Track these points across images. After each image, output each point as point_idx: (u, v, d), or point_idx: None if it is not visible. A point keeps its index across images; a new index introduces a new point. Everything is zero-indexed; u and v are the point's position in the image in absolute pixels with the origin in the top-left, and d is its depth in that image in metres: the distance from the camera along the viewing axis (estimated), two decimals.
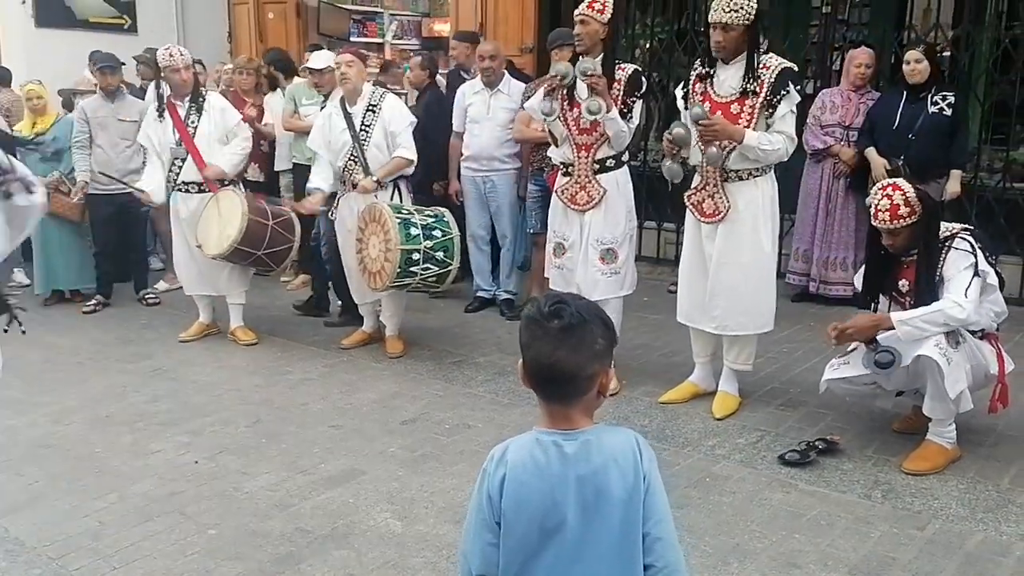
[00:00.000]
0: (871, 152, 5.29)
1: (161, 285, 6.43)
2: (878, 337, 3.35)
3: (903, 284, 3.45)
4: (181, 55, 4.94)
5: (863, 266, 3.69)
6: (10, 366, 4.88)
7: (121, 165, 5.74)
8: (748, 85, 3.66)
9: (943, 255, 3.30)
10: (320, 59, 5.51)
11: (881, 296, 3.55)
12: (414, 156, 4.77)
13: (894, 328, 3.27)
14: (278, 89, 6.51)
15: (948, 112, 5.08)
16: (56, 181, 5.86)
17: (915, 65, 5.06)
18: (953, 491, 3.21)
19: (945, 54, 6.10)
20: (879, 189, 3.34)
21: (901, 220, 3.25)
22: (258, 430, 3.85)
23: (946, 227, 3.40)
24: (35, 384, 4.51)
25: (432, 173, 5.78)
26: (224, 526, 3.02)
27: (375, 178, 4.67)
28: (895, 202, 3.24)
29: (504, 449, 1.53)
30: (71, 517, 3.09)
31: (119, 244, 6.05)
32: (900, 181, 3.34)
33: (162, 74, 4.98)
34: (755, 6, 3.60)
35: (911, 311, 3.28)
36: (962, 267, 3.24)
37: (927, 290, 3.28)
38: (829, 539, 2.89)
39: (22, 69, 7.85)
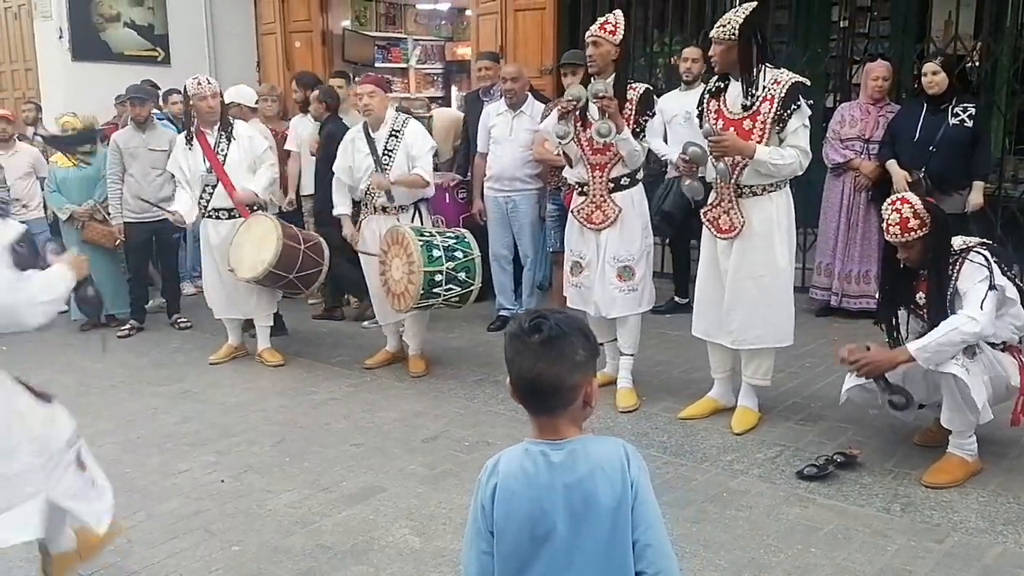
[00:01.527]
0: (892, 165, 5.28)
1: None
2: (888, 376, 3.35)
3: (920, 297, 3.45)
4: (208, 83, 5.09)
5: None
6: (47, 390, 5.05)
7: (152, 193, 5.90)
8: (744, 100, 3.70)
9: (957, 268, 3.29)
10: (244, 95, 5.97)
11: (900, 309, 3.55)
12: (431, 178, 4.87)
13: (912, 361, 3.26)
14: (308, 114, 6.63)
15: (969, 123, 5.05)
16: (91, 209, 6.06)
17: (932, 77, 5.05)
18: (973, 504, 3.19)
19: (970, 64, 6.08)
20: (888, 204, 3.36)
21: (912, 233, 3.26)
22: (282, 449, 3.93)
23: (962, 241, 3.40)
24: (70, 407, 4.59)
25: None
26: (248, 543, 3.10)
27: (391, 179, 4.74)
28: (904, 215, 3.26)
29: (497, 460, 1.59)
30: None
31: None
32: (908, 195, 3.36)
33: (191, 102, 5.14)
34: (740, 22, 3.64)
35: (925, 338, 3.26)
36: (976, 280, 3.23)
37: (939, 302, 3.28)
38: (845, 553, 2.88)
39: (59, 102, 8.13)
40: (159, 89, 7.53)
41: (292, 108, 6.87)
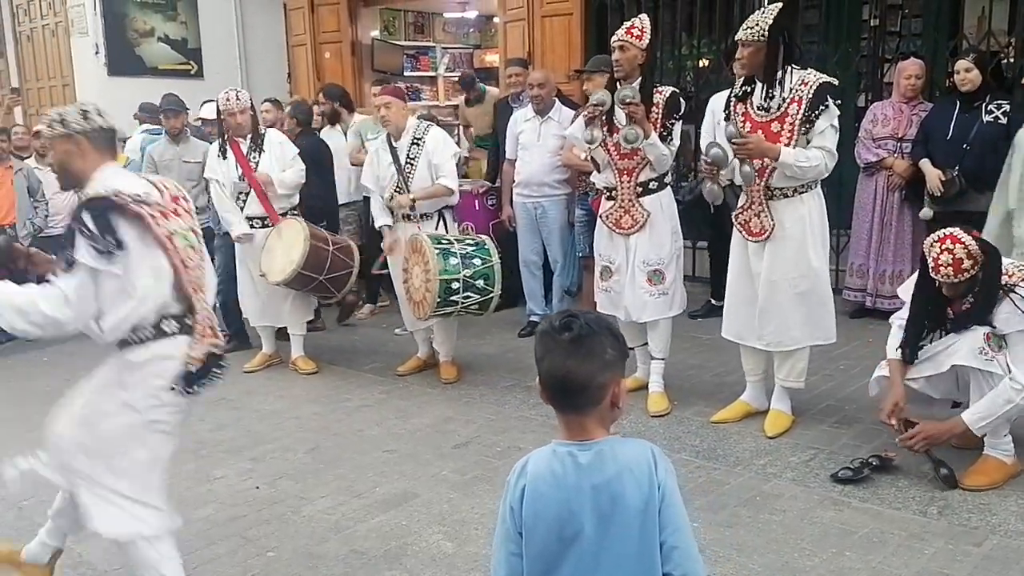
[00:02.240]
0: (925, 163, 5.21)
1: None
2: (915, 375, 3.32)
3: (949, 312, 3.40)
4: (238, 99, 5.16)
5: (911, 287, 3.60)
6: None
7: None
8: (765, 103, 3.68)
9: (999, 301, 3.22)
10: (207, 111, 5.99)
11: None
12: (455, 186, 4.90)
13: (967, 430, 3.25)
14: (337, 124, 6.71)
15: (1004, 120, 4.97)
16: None
17: (965, 74, 4.98)
18: (1012, 506, 3.14)
19: (1004, 61, 5.98)
20: (936, 242, 3.22)
21: (965, 273, 3.17)
22: (316, 456, 3.97)
23: (1006, 267, 3.29)
24: None
25: (316, 219, 5.48)
26: (283, 549, 3.14)
27: (412, 196, 4.77)
28: (957, 256, 3.15)
29: (525, 461, 1.60)
30: None
31: None
32: (956, 232, 3.21)
33: (221, 117, 5.22)
34: (769, 23, 3.62)
35: (980, 410, 3.21)
36: (1018, 326, 3.17)
37: (971, 323, 3.25)
38: (881, 556, 2.85)
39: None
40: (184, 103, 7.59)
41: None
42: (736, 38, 3.75)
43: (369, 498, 3.52)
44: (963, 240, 3.17)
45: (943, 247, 3.18)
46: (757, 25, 3.64)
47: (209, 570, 3.01)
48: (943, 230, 3.29)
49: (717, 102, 3.99)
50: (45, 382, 5.49)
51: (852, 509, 3.19)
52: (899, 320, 3.58)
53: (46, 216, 6.53)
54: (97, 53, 8.94)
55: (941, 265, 3.17)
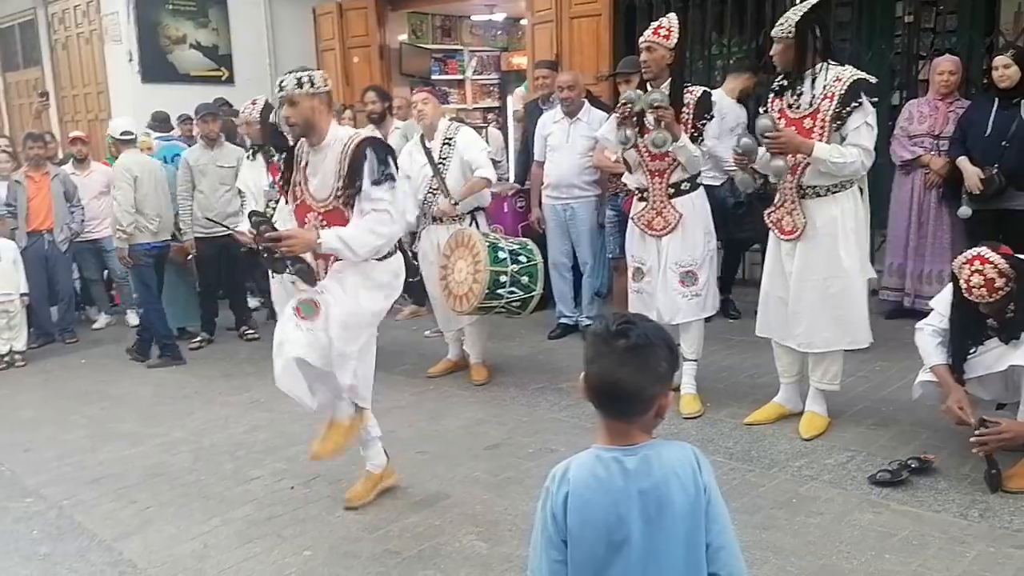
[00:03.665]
0: (963, 161, 5.13)
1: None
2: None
3: (991, 322, 3.35)
4: (252, 111, 5.23)
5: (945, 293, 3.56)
6: (124, 401, 5.26)
7: (220, 208, 6.06)
8: (792, 100, 3.65)
9: None
10: (120, 126, 6.01)
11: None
12: (493, 176, 4.90)
13: None
14: (372, 127, 6.71)
15: None
16: None
17: (1003, 71, 4.90)
18: None
19: None
20: (965, 263, 3.21)
21: (999, 292, 3.15)
22: (349, 457, 3.96)
23: None
24: (146, 417, 4.80)
25: None
26: (318, 548, 3.15)
27: (454, 200, 4.79)
28: (988, 276, 3.13)
29: (565, 467, 1.58)
30: (179, 540, 3.28)
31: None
32: (984, 252, 3.19)
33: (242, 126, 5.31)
34: (797, 18, 3.60)
35: None
36: None
37: (1018, 330, 3.21)
38: (921, 559, 2.81)
39: (130, 122, 8.40)
40: (232, 106, 7.69)
41: (361, 121, 6.97)
42: (771, 35, 3.73)
43: (402, 498, 3.53)
44: (991, 260, 3.15)
45: (973, 269, 3.17)
46: (787, 21, 3.64)
47: (246, 568, 3.04)
48: (970, 251, 3.28)
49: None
50: (81, 383, 5.59)
51: (891, 511, 3.15)
52: (929, 327, 3.54)
53: (82, 220, 6.64)
54: (130, 60, 9.06)
55: (974, 287, 3.17)
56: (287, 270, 3.22)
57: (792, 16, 3.63)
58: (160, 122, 7.86)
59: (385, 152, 3.16)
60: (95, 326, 7.09)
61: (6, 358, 6.06)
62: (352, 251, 3.12)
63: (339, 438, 3.39)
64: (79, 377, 5.75)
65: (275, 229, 3.17)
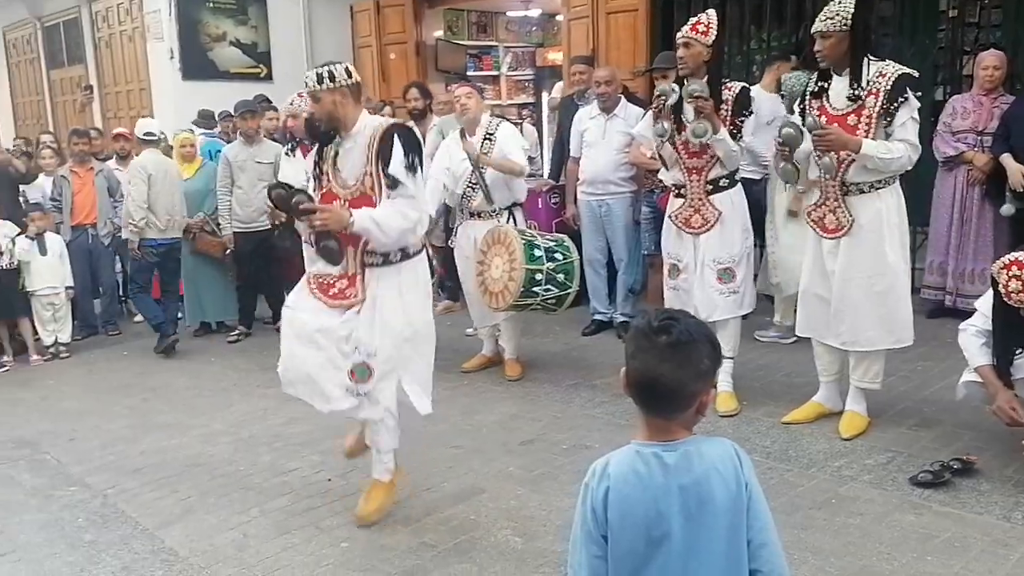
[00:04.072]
0: (1007, 158, 5.04)
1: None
2: None
3: None
4: (301, 106, 5.26)
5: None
6: (164, 392, 5.35)
7: (259, 204, 6.14)
8: (853, 92, 3.59)
9: None
10: (143, 126, 6.28)
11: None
12: (524, 164, 4.89)
13: None
14: (411, 123, 6.74)
15: None
16: (201, 222, 6.34)
17: None
18: None
19: None
20: (1003, 268, 3.18)
21: None
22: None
23: None
24: (186, 408, 4.89)
25: None
26: (355, 540, 3.19)
27: (484, 156, 4.76)
28: None
29: (605, 463, 1.57)
30: (219, 530, 3.33)
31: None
32: (1022, 256, 3.17)
33: (287, 119, 5.35)
34: (851, 11, 3.53)
35: None
36: None
37: None
38: (963, 562, 2.76)
39: (170, 118, 8.55)
40: (270, 102, 7.76)
41: (401, 117, 7.00)
42: (814, 30, 3.65)
43: (438, 492, 3.55)
44: None
45: (1010, 274, 3.14)
46: (838, 15, 3.55)
47: (285, 558, 3.08)
48: (1008, 256, 3.24)
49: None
50: (124, 375, 5.70)
51: (932, 513, 3.10)
52: (973, 327, 3.49)
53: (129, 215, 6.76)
54: (172, 58, 9.20)
55: (1012, 292, 3.15)
56: (315, 244, 3.22)
57: (843, 10, 3.54)
58: (205, 119, 8.01)
59: (413, 139, 3.20)
60: (136, 319, 7.20)
61: (51, 349, 6.20)
62: (382, 231, 3.11)
63: (383, 497, 3.35)
64: (121, 369, 5.86)
65: (311, 200, 3.19)
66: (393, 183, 3.11)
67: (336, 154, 3.28)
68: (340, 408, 3.25)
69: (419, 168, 3.18)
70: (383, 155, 3.11)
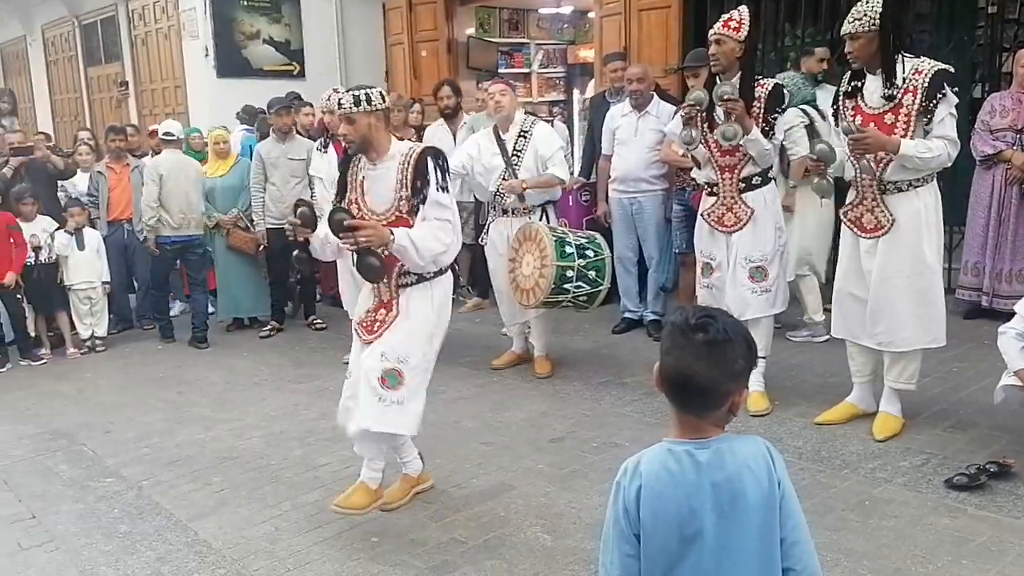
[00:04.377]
0: None
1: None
2: None
3: None
4: (339, 104, 5.26)
5: None
6: (198, 386, 5.42)
7: (291, 201, 6.17)
8: (887, 91, 3.54)
9: None
10: (165, 126, 6.48)
11: None
12: (566, 176, 4.89)
13: None
14: (441, 121, 6.74)
15: None
16: (235, 218, 6.41)
17: None
18: None
19: None
20: None
21: None
22: (415, 445, 4.03)
23: None
24: (219, 402, 4.95)
25: None
26: (386, 534, 3.21)
27: (523, 181, 4.77)
28: None
29: (637, 461, 1.57)
30: (251, 523, 3.37)
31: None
32: None
33: (324, 116, 5.37)
34: (878, 11, 3.48)
35: None
36: None
37: None
38: (999, 566, 2.72)
39: (205, 115, 8.65)
40: (301, 99, 7.83)
41: (431, 114, 7.04)
42: (843, 32, 3.60)
43: (467, 488, 3.57)
44: None
45: None
46: (865, 16, 3.51)
47: (316, 552, 3.11)
48: None
49: None
50: (158, 368, 5.78)
51: (968, 516, 3.06)
52: (1012, 330, 3.43)
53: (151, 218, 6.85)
54: (207, 55, 9.30)
55: None
56: (358, 259, 3.22)
57: (871, 10, 3.50)
58: (249, 115, 8.12)
59: (446, 163, 3.25)
60: (172, 313, 7.31)
61: (88, 343, 6.31)
62: (418, 252, 3.12)
63: (407, 488, 3.47)
64: (156, 362, 5.94)
65: (353, 217, 3.19)
66: (431, 205, 3.15)
67: (363, 180, 3.26)
68: (366, 425, 3.19)
69: (449, 191, 3.22)
70: (421, 178, 3.14)
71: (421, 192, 3.14)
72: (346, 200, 3.29)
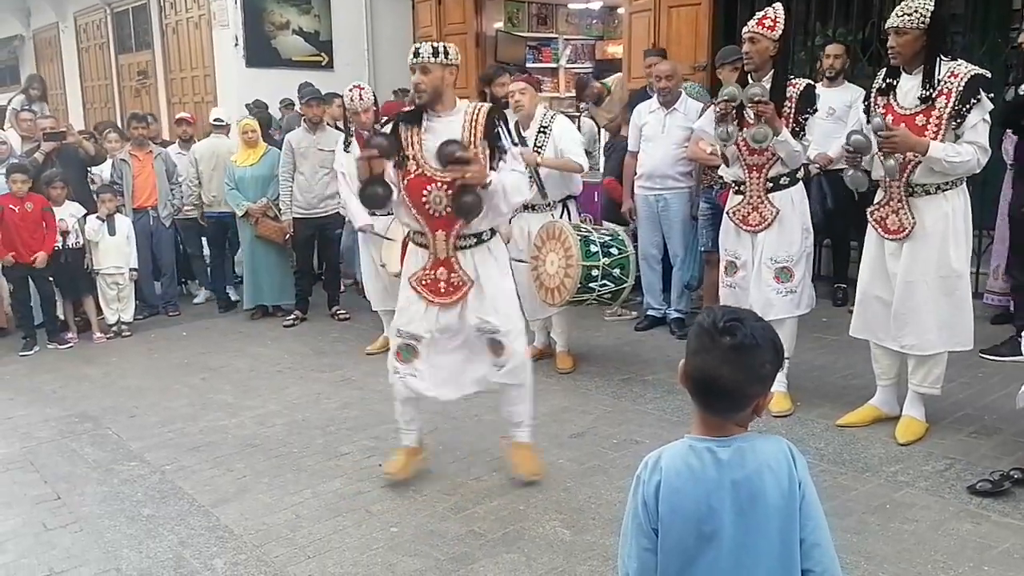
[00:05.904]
0: None
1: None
2: None
3: None
4: (361, 99, 5.29)
5: None
6: (222, 373, 5.47)
7: (319, 191, 6.25)
8: (926, 92, 3.50)
9: None
10: (214, 113, 6.97)
11: None
12: (585, 163, 4.90)
13: None
14: None
15: None
16: (264, 207, 6.46)
17: None
18: None
19: None
20: None
21: None
22: (435, 437, 4.06)
23: None
24: (243, 390, 5.00)
25: None
26: (404, 525, 3.23)
27: (540, 159, 4.75)
28: None
29: (658, 456, 1.57)
30: (272, 510, 3.41)
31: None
32: None
33: (347, 113, 5.38)
34: (931, 8, 3.42)
35: None
36: None
37: None
38: (1022, 574, 2.69)
39: (234, 105, 8.71)
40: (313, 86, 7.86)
41: None
42: (889, 24, 3.54)
43: (487, 481, 3.58)
44: None
45: None
46: (917, 12, 3.44)
47: (336, 540, 3.14)
48: None
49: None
50: (183, 354, 5.84)
51: (991, 523, 3.03)
52: None
53: (182, 197, 6.94)
54: (236, 45, 9.37)
55: None
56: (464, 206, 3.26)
57: (922, 6, 3.44)
58: (286, 107, 8.19)
59: (509, 121, 3.45)
60: (196, 300, 7.40)
61: (114, 328, 6.39)
62: (505, 198, 3.28)
63: (531, 454, 3.62)
64: (181, 348, 6.01)
65: (465, 150, 3.24)
66: (511, 158, 3.30)
67: (422, 134, 3.32)
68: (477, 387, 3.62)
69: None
70: (494, 131, 3.28)
71: (498, 144, 3.28)
72: (405, 158, 3.35)
